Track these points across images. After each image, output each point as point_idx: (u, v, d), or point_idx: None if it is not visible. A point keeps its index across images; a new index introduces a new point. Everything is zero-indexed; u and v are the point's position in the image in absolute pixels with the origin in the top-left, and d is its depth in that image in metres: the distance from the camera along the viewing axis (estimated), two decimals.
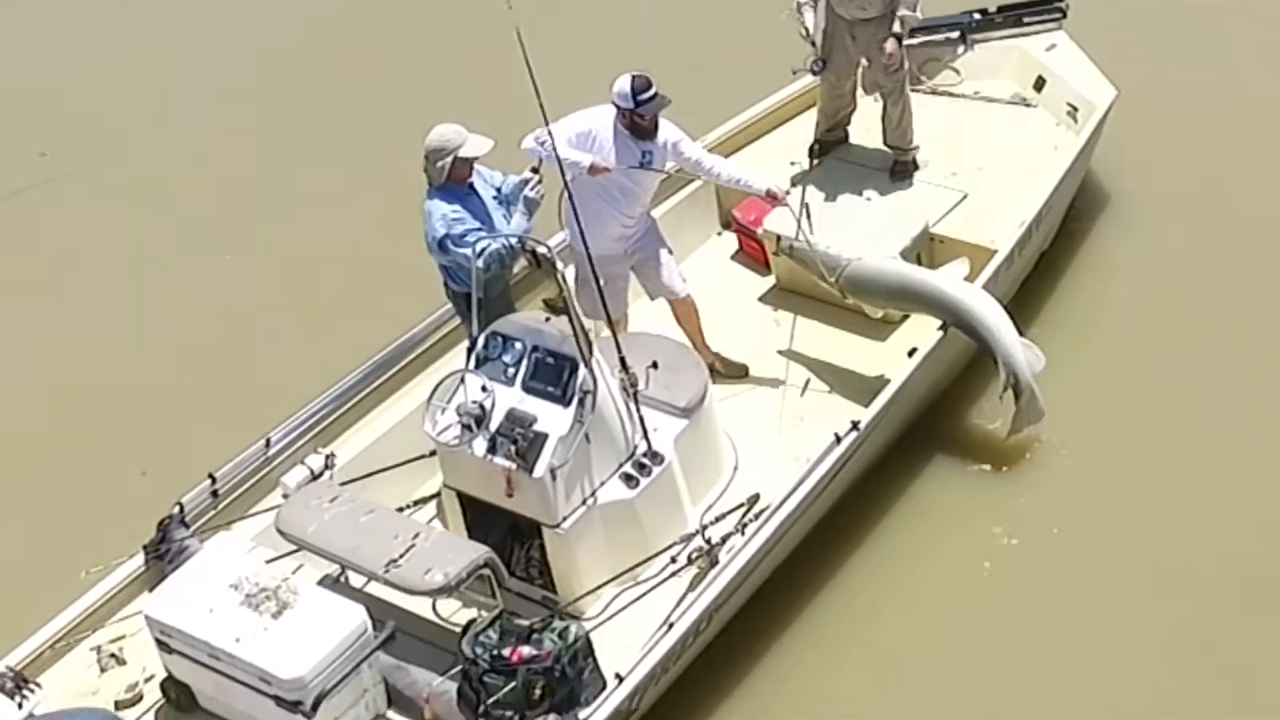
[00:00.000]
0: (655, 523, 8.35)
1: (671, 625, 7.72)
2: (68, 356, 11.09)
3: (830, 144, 10.70)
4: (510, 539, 8.31)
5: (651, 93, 8.80)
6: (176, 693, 7.77)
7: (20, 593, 8.77)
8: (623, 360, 8.26)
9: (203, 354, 10.88)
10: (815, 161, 10.56)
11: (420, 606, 7.92)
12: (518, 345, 8.23)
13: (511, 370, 8.20)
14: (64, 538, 9.24)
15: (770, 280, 10.25)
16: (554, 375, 8.09)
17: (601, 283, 8.47)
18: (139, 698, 7.91)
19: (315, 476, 8.71)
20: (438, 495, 8.70)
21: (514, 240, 8.41)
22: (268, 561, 8.01)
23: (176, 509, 8.36)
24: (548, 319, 8.25)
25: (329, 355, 9.67)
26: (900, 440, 9.24)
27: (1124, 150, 11.05)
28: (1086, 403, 9.52)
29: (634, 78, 8.81)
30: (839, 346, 9.66)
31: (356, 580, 8.04)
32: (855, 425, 8.46)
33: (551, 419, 8.02)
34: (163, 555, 8.20)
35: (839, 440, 8.40)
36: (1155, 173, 11.13)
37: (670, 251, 9.32)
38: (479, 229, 8.47)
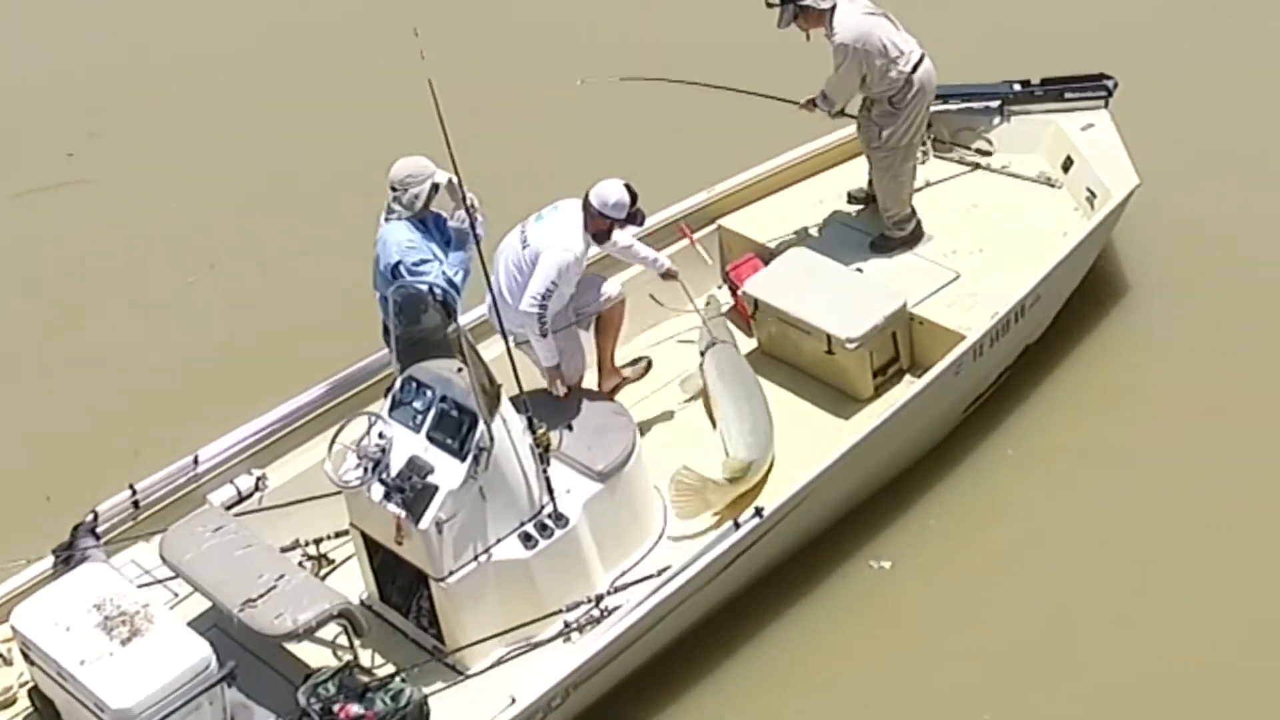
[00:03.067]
0: (553, 585, 8.25)
1: (514, 700, 7.61)
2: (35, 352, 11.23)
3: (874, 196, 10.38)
4: (416, 584, 8.27)
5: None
6: (41, 703, 7.84)
7: None
8: (530, 420, 8.16)
9: (156, 370, 10.89)
10: (861, 208, 10.43)
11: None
12: (428, 393, 8.17)
13: (420, 417, 8.14)
14: None
15: (752, 343, 10.00)
16: (454, 428, 8.01)
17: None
18: (12, 700, 8.03)
19: (243, 497, 8.79)
20: None
21: (455, 276, 8.44)
22: (157, 583, 8.08)
23: (90, 516, 8.47)
24: (460, 369, 8.15)
25: (290, 379, 9.61)
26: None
27: (1149, 244, 10.49)
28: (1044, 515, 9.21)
29: (629, 188, 8.76)
30: (805, 420, 9.43)
31: None
32: (759, 512, 8.22)
33: (447, 471, 7.95)
34: (67, 560, 8.29)
35: (738, 526, 8.18)
36: (1176, 273, 10.46)
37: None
38: (434, 260, 8.50)
